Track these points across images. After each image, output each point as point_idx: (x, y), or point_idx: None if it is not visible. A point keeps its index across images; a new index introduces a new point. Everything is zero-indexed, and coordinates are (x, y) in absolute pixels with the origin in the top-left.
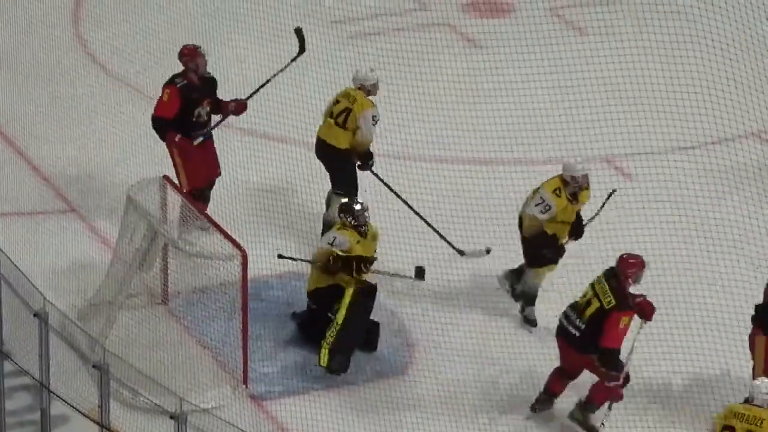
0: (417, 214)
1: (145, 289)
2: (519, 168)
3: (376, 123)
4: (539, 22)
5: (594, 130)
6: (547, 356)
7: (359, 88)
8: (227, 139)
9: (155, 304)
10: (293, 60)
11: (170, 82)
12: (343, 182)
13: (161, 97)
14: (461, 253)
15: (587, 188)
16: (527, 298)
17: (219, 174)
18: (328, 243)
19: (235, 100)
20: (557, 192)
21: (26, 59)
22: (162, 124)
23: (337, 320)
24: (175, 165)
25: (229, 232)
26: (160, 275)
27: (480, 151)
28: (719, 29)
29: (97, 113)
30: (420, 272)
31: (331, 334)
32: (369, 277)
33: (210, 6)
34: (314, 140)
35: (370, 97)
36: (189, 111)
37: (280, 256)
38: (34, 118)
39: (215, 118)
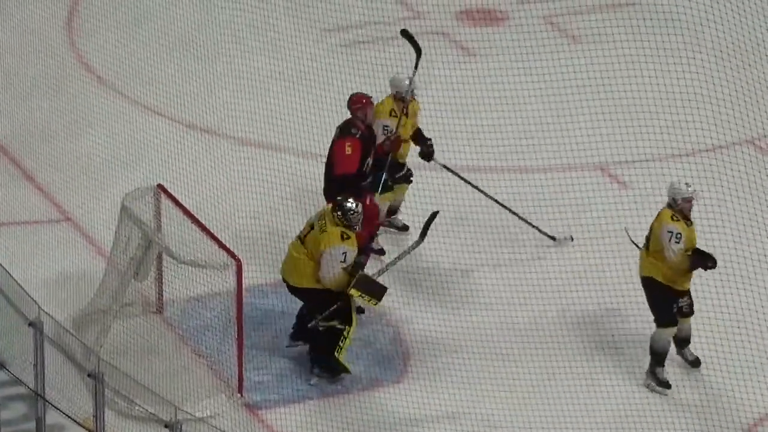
0: (495, 201)
1: (140, 298)
2: (513, 176)
3: (386, 132)
4: (533, 30)
5: (588, 138)
6: (551, 359)
7: (394, 95)
8: (221, 147)
9: (150, 313)
10: (417, 65)
11: (347, 134)
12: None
13: (341, 151)
14: (553, 239)
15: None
16: (656, 358)
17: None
18: (341, 262)
19: (388, 138)
20: (675, 218)
21: (21, 69)
22: (352, 182)
23: (348, 330)
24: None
25: (223, 241)
26: (155, 284)
27: (474, 159)
28: (714, 36)
29: (92, 123)
30: (432, 217)
31: (345, 343)
32: None
33: (202, 15)
34: (309, 148)
35: (413, 103)
36: (363, 163)
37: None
38: (28, 127)
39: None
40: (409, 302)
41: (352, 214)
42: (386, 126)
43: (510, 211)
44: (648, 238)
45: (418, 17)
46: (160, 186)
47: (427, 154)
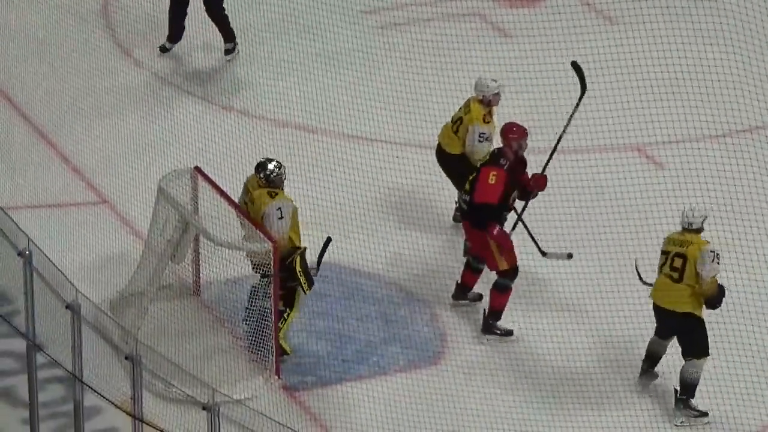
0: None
1: (177, 280)
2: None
3: (483, 140)
4: (570, 11)
5: (625, 119)
6: (586, 349)
7: (480, 99)
8: (257, 129)
9: (187, 295)
10: (578, 103)
11: (495, 162)
12: (461, 185)
13: (484, 179)
14: (543, 254)
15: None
16: (691, 390)
17: None
18: (278, 218)
19: (534, 175)
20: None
21: (56, 50)
22: (492, 212)
23: (289, 313)
24: (486, 248)
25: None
26: (192, 266)
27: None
28: (750, 16)
29: (128, 104)
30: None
31: (285, 325)
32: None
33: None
34: (345, 130)
35: (493, 107)
36: (507, 195)
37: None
38: (64, 109)
39: None
40: (445, 285)
41: (274, 175)
42: (483, 134)
43: (519, 216)
44: (677, 269)
45: None
46: (196, 168)
47: None
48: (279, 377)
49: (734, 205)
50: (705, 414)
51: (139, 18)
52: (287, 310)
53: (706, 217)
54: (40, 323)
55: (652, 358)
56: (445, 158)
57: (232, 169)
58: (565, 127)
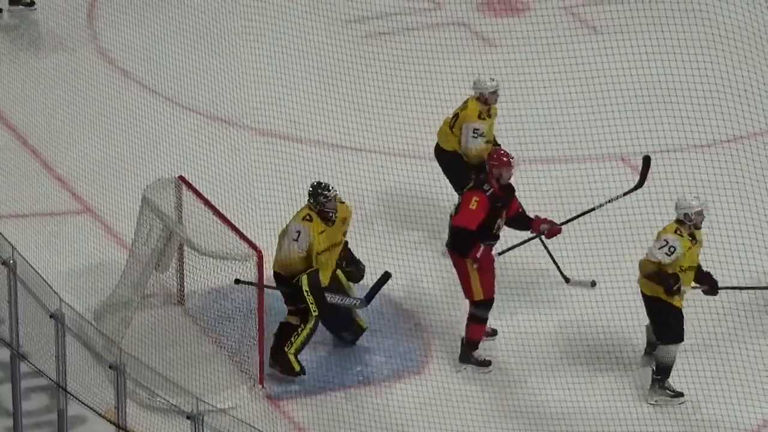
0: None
1: (161, 289)
2: (534, 167)
3: (476, 137)
4: (554, 20)
5: (609, 129)
6: (569, 355)
7: (477, 97)
8: (242, 138)
9: (171, 305)
10: (629, 192)
11: (478, 187)
12: (457, 183)
13: (465, 203)
14: (567, 280)
15: (700, 228)
16: (666, 372)
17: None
18: (293, 239)
19: (549, 223)
20: (678, 232)
21: (41, 60)
22: (466, 237)
23: (303, 329)
24: (465, 274)
25: (244, 232)
26: (176, 275)
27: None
28: (735, 26)
29: (112, 114)
30: (384, 277)
31: (296, 340)
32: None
33: (223, 6)
34: (329, 139)
35: (491, 105)
36: (491, 222)
37: (237, 281)
38: (49, 118)
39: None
40: (428, 293)
41: (323, 199)
42: (477, 129)
43: (543, 243)
44: None
45: (439, 8)
46: (181, 177)
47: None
48: (263, 386)
49: (719, 215)
50: (680, 394)
51: (125, 27)
52: (302, 325)
53: (689, 211)
54: (24, 332)
55: (650, 343)
56: (442, 155)
57: (217, 178)
58: (601, 205)
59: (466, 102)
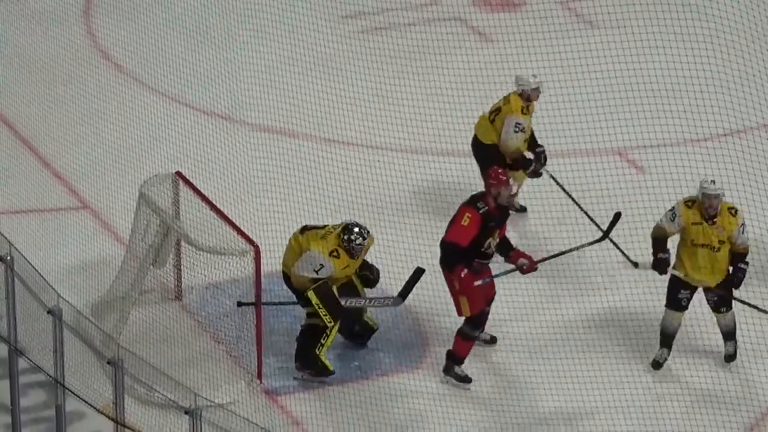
0: (590, 218)
1: (159, 285)
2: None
3: (518, 131)
4: (550, 15)
5: (606, 123)
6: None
7: (520, 93)
8: (239, 134)
9: (169, 300)
10: (593, 243)
11: (472, 204)
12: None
13: (458, 219)
14: (635, 264)
15: (735, 215)
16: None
17: (494, 293)
18: (314, 270)
19: (528, 258)
20: (689, 204)
21: (39, 56)
22: (455, 253)
23: (330, 329)
24: (453, 291)
25: (241, 228)
26: (174, 271)
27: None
28: (731, 21)
29: (109, 110)
30: (417, 273)
31: (326, 341)
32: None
33: (219, 1)
34: (325, 134)
35: (532, 103)
36: (481, 241)
37: (239, 304)
38: (45, 114)
39: None
40: (427, 291)
41: (355, 243)
42: (519, 123)
43: (601, 230)
44: None
45: (435, 3)
46: (178, 173)
47: (534, 172)
48: (261, 381)
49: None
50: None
51: (121, 23)
52: (329, 326)
53: (704, 191)
54: (21, 328)
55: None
56: (479, 149)
57: (213, 173)
58: (568, 251)
59: (507, 97)
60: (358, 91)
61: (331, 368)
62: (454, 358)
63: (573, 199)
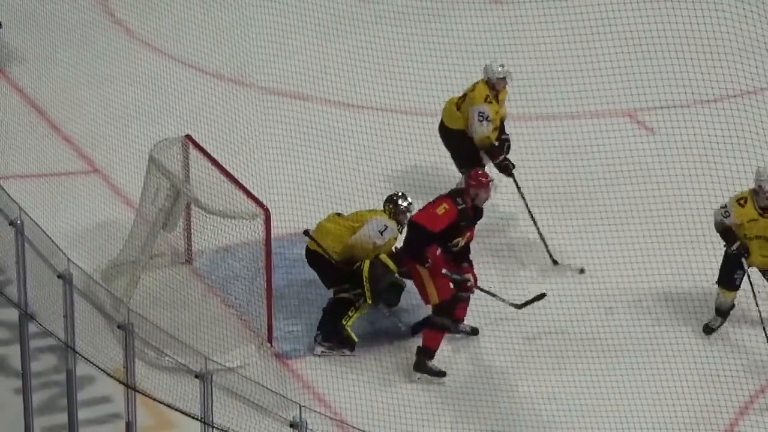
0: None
1: (169, 248)
2: (540, 123)
3: (482, 120)
4: None
5: (616, 84)
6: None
7: (486, 81)
8: (248, 97)
9: (179, 264)
10: (509, 302)
11: (453, 197)
12: (461, 161)
13: (435, 206)
14: (555, 263)
15: None
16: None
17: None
18: (379, 231)
19: (475, 279)
20: (741, 202)
21: (48, 19)
22: (421, 237)
23: (361, 303)
24: (418, 279)
25: (251, 191)
26: (184, 235)
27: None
28: None
29: (118, 73)
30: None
31: (354, 314)
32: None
33: None
34: (334, 97)
35: (499, 91)
36: (451, 236)
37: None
38: (54, 78)
39: None
40: None
41: (402, 207)
42: (482, 112)
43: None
44: None
45: None
46: (187, 136)
47: (502, 166)
48: (271, 345)
49: (725, 171)
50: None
51: None
52: (360, 300)
53: (763, 184)
54: (32, 293)
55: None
56: (446, 134)
57: (223, 137)
58: (494, 295)
59: (475, 84)
60: (368, 53)
61: (356, 340)
62: (425, 352)
63: (534, 221)
